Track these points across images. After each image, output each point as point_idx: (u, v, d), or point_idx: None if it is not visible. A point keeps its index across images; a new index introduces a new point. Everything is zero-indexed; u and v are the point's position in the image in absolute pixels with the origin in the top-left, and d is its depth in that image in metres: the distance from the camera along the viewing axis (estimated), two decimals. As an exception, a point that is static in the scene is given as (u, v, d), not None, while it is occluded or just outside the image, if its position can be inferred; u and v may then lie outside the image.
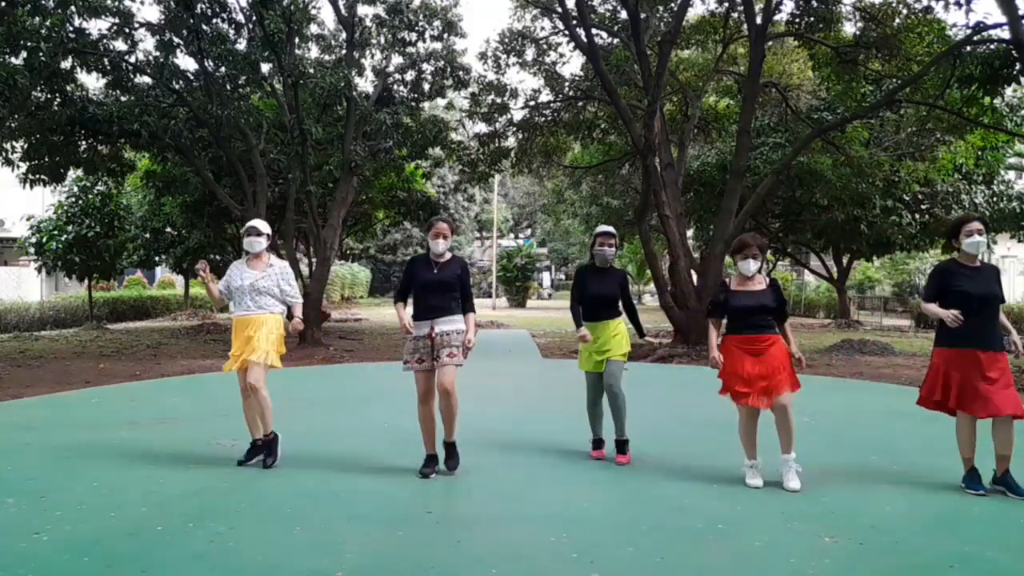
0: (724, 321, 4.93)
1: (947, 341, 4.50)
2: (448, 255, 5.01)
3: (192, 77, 12.84)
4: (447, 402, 4.84)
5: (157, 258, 22.05)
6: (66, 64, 11.85)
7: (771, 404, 4.62)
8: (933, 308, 4.55)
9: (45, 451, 5.38)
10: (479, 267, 49.82)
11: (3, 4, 10.48)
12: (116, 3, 11.99)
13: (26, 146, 13.01)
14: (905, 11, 12.62)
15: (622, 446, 5.27)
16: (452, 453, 5.00)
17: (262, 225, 5.27)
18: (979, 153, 17.12)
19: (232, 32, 13.01)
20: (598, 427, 5.45)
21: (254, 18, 12.33)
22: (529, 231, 56.86)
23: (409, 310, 5.01)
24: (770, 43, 14.60)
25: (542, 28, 16.35)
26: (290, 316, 5.34)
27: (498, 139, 16.98)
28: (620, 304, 5.42)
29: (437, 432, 4.95)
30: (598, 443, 5.45)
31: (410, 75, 15.81)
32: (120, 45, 12.46)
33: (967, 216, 4.71)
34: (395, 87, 15.87)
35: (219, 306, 5.45)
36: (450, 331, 4.85)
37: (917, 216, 17.86)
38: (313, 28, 14.76)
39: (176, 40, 12.48)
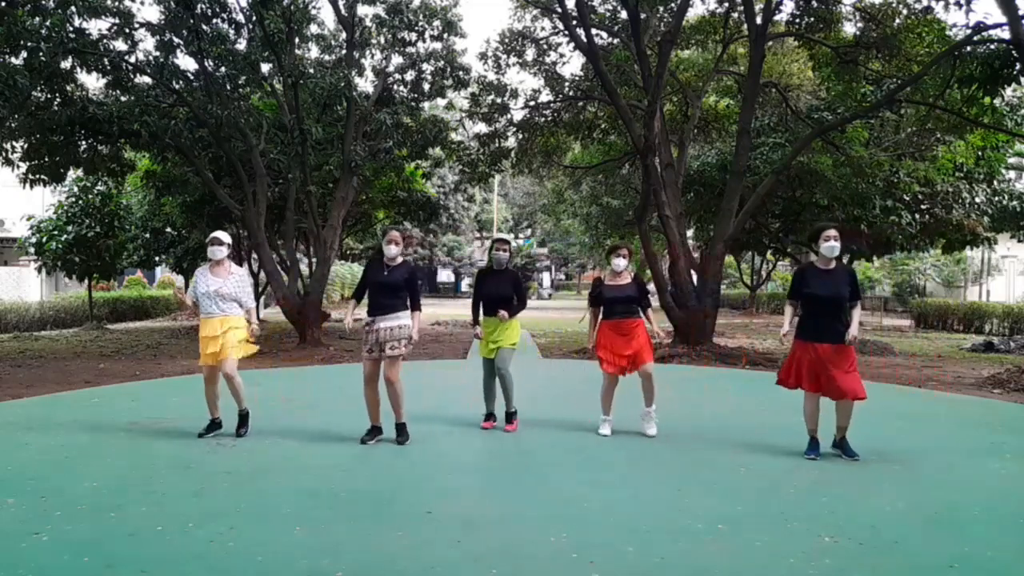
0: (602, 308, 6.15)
1: (801, 335, 5.41)
2: (399, 260, 5.75)
3: (192, 77, 12.82)
4: (392, 390, 5.64)
5: (157, 258, 22.01)
6: (66, 64, 11.82)
7: (634, 371, 5.94)
8: (787, 312, 5.64)
9: (45, 451, 5.38)
10: (479, 267, 49.76)
11: (3, 4, 10.48)
12: (116, 3, 11.97)
13: (26, 146, 12.99)
14: (905, 11, 12.60)
15: (510, 417, 6.32)
16: (402, 431, 5.78)
17: (223, 236, 5.90)
18: (979, 153, 17.09)
19: (232, 32, 12.98)
20: (490, 403, 6.41)
21: (254, 18, 12.32)
22: (529, 231, 56.85)
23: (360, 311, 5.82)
24: (770, 43, 14.59)
25: (542, 28, 16.33)
26: (249, 321, 5.91)
27: (498, 139, 16.94)
28: (515, 299, 6.25)
29: (382, 412, 5.80)
30: (489, 416, 6.42)
31: (410, 75, 15.79)
32: (120, 45, 12.44)
33: (825, 224, 5.52)
34: (395, 87, 15.85)
35: (193, 310, 6.04)
36: (393, 327, 5.56)
37: (917, 216, 17.81)
38: (313, 28, 14.74)
39: (176, 40, 12.46)
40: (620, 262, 6.09)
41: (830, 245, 5.35)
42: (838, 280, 5.34)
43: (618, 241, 6.52)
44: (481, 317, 6.36)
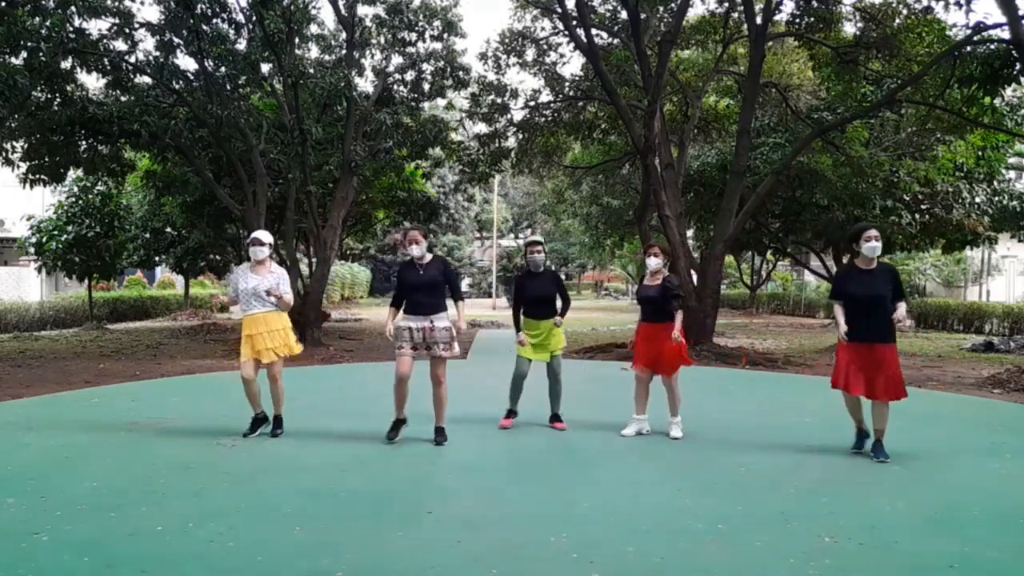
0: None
1: (847, 337, 5.37)
2: (429, 256, 5.72)
3: (192, 77, 12.82)
4: (438, 391, 5.74)
5: (157, 258, 22.04)
6: (66, 64, 11.83)
7: (660, 376, 5.96)
8: (837, 313, 5.48)
9: (45, 451, 5.38)
10: (479, 267, 49.81)
11: (3, 4, 10.48)
12: (116, 3, 11.97)
13: (26, 146, 12.99)
14: (905, 11, 12.60)
15: (558, 417, 6.46)
16: (441, 433, 5.80)
17: (264, 236, 5.95)
18: (979, 153, 17.08)
19: (232, 32, 12.98)
20: (515, 401, 6.43)
21: (254, 18, 12.31)
22: (529, 231, 56.85)
23: (399, 316, 5.77)
24: (770, 43, 14.58)
25: (542, 28, 16.33)
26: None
27: (498, 139, 16.94)
28: (557, 301, 6.32)
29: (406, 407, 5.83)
30: (512, 413, 6.45)
31: (410, 75, 15.79)
32: (120, 45, 12.44)
33: (866, 224, 5.48)
34: (395, 87, 15.85)
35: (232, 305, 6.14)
36: (443, 327, 5.61)
37: (917, 216, 17.80)
38: (313, 28, 14.73)
39: (176, 40, 12.45)
40: (652, 261, 6.02)
41: (871, 246, 5.32)
42: (877, 280, 5.30)
43: (652, 241, 6.53)
44: (521, 320, 6.36)
